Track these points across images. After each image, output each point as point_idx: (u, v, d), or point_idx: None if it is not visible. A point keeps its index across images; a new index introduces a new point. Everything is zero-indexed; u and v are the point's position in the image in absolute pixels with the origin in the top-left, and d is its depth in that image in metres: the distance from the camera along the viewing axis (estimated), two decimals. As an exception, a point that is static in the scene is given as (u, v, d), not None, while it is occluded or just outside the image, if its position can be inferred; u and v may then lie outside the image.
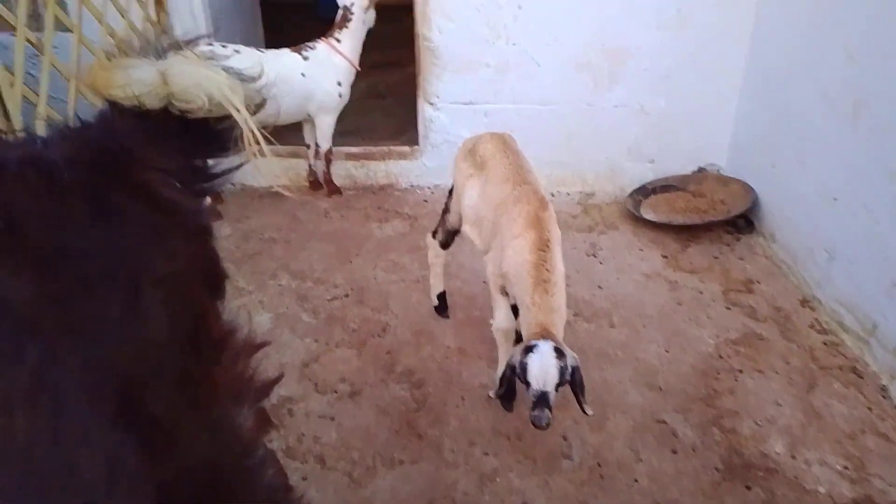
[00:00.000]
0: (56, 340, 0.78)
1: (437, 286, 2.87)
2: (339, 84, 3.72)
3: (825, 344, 2.74)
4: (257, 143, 1.22)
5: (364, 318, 2.91)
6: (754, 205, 3.60)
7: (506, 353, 2.39)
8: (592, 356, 2.67)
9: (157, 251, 0.97)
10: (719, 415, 2.38)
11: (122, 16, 3.19)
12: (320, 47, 3.68)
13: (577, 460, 2.19)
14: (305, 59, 3.65)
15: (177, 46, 1.17)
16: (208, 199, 3.52)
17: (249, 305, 2.99)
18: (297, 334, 2.80)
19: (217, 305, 1.21)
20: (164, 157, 1.08)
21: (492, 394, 2.33)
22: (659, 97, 3.93)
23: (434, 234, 2.73)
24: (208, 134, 1.19)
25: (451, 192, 2.63)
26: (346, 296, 3.07)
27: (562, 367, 1.88)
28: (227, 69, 1.18)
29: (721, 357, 2.67)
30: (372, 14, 3.80)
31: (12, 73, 2.26)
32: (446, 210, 2.64)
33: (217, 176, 1.25)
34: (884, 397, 2.44)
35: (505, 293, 2.27)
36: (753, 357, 2.67)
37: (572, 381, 1.95)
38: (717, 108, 3.92)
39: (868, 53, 2.64)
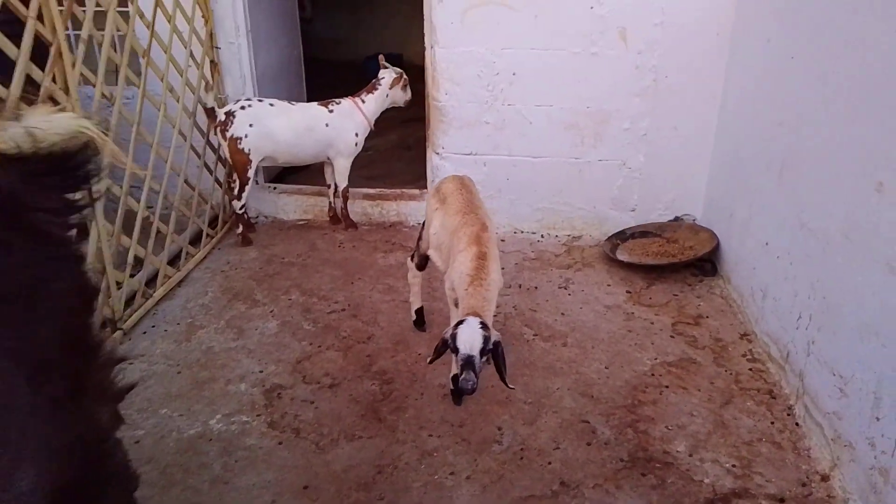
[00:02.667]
0: None
1: (415, 303, 3.39)
2: (356, 135, 4.38)
3: (751, 370, 3.10)
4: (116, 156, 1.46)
5: (354, 329, 3.44)
6: (716, 250, 4.00)
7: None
8: (541, 368, 3.11)
9: (44, 274, 1.27)
10: (637, 419, 2.77)
11: (181, 75, 3.94)
12: (345, 103, 4.37)
13: (505, 445, 2.63)
14: (331, 111, 4.34)
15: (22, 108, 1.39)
16: (240, 228, 4.18)
17: (262, 315, 3.57)
18: (297, 338, 3.35)
19: (89, 320, 1.47)
20: (43, 196, 1.30)
21: (429, 361, 2.63)
22: (639, 154, 4.42)
23: (412, 257, 3.27)
24: (75, 170, 1.35)
25: (423, 223, 3.17)
26: (343, 310, 3.62)
27: (485, 337, 2.30)
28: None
29: (653, 375, 3.07)
30: (400, 94, 4.52)
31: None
32: (420, 238, 3.18)
33: (83, 208, 1.42)
34: (788, 415, 2.79)
35: (457, 304, 2.77)
36: (682, 377, 3.05)
37: (495, 353, 2.37)
38: (692, 164, 4.37)
39: (793, 119, 3.08)
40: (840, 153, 2.58)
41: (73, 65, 2.85)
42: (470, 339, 2.29)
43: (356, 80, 4.41)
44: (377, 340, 3.34)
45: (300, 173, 5.27)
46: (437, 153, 4.62)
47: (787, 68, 3.11)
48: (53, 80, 2.75)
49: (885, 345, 2.19)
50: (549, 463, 2.54)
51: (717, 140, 4.22)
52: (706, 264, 4.06)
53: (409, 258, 3.32)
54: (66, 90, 2.81)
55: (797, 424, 2.73)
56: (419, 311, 3.40)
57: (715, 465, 2.52)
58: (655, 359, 3.20)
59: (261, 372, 3.08)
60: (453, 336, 2.32)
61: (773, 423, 2.75)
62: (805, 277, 2.81)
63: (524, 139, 4.49)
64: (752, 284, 3.43)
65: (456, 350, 2.32)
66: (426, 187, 4.78)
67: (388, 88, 4.48)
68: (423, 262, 3.20)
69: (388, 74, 4.47)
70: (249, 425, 2.73)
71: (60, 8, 2.79)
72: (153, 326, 3.44)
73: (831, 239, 2.58)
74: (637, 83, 4.24)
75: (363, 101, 4.43)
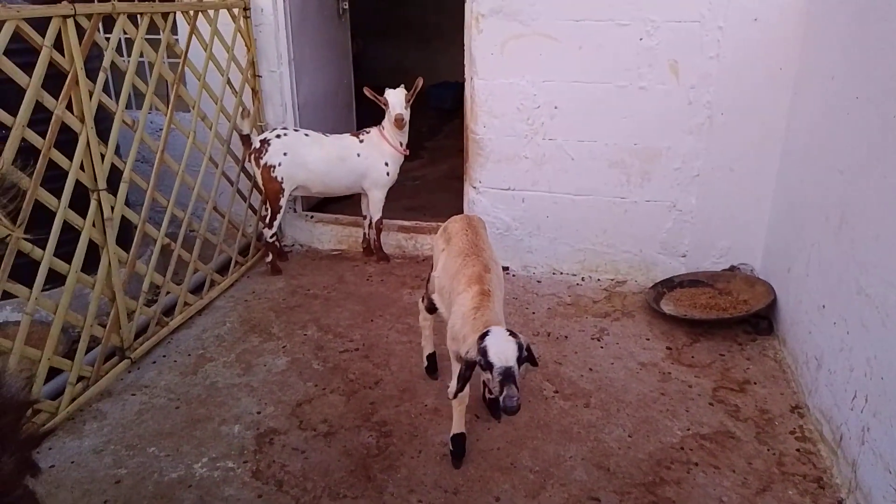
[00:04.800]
0: None
1: (426, 347, 3.19)
2: (386, 165, 4.25)
3: (798, 451, 2.70)
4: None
5: (363, 371, 3.27)
6: (772, 306, 3.59)
7: (460, 418, 2.63)
8: (555, 431, 2.83)
9: None
10: (655, 501, 2.44)
11: (216, 103, 3.95)
12: (374, 133, 4.27)
13: (500, 521, 2.37)
14: (361, 141, 4.25)
15: None
16: (270, 257, 4.11)
17: (273, 350, 3.46)
18: (303, 378, 3.21)
19: None
20: None
21: (450, 393, 2.46)
22: (690, 195, 4.07)
23: (423, 299, 3.08)
24: None
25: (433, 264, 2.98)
26: (357, 350, 3.46)
27: (518, 343, 2.06)
28: None
29: (682, 449, 2.72)
30: (407, 112, 4.22)
31: (106, 144, 2.97)
32: (428, 280, 2.99)
33: None
34: (837, 511, 2.39)
35: (458, 359, 2.54)
36: (716, 454, 2.69)
37: (528, 357, 2.14)
38: (750, 211, 3.98)
39: (854, 167, 2.70)
40: (906, 210, 2.21)
41: (91, 93, 2.85)
42: (503, 348, 2.04)
43: (417, 108, 4.27)
44: (384, 386, 3.15)
45: (342, 202, 5.20)
46: (474, 187, 4.43)
47: (851, 109, 2.74)
48: (69, 108, 2.76)
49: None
50: (546, 547, 2.25)
51: (778, 184, 3.82)
52: (761, 321, 3.65)
53: (420, 299, 3.13)
54: (82, 118, 2.81)
55: (848, 524, 2.33)
56: (431, 357, 3.19)
57: (740, 567, 2.17)
58: (688, 429, 2.85)
59: (258, 413, 2.95)
60: (482, 350, 2.06)
61: (817, 520, 2.35)
62: (861, 351, 2.41)
63: (565, 175, 4.24)
64: (807, 350, 3.02)
65: (490, 365, 2.04)
66: (462, 222, 4.59)
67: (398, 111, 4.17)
68: (432, 305, 3.00)
69: (394, 97, 4.15)
70: (233, 472, 2.58)
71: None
72: (164, 356, 3.39)
73: (891, 310, 2.20)
74: (689, 120, 3.92)
75: (383, 128, 4.27)
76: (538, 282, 4.33)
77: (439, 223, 4.68)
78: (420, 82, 4.15)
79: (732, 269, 4.10)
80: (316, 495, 2.47)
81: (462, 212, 4.56)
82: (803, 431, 2.82)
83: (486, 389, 2.88)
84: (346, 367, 3.30)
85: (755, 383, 3.17)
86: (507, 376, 2.00)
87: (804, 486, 2.51)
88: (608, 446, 2.74)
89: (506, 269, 4.48)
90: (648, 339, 3.59)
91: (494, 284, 2.46)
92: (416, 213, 5.06)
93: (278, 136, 4.14)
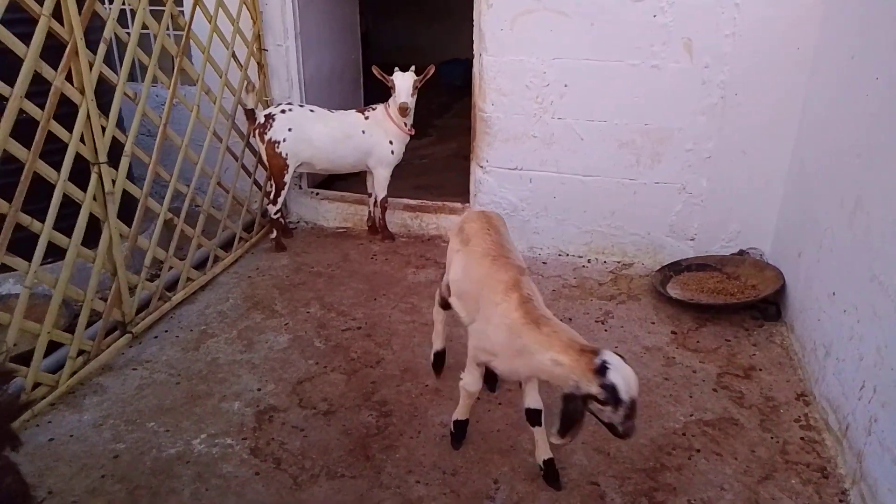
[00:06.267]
0: None
1: (436, 343, 2.99)
2: (391, 143, 4.19)
3: (803, 440, 2.66)
4: None
5: (365, 350, 3.25)
6: (781, 292, 3.53)
7: (466, 408, 2.56)
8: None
9: None
10: (655, 487, 2.42)
11: (220, 76, 3.90)
12: (379, 109, 4.20)
13: (497, 502, 2.35)
14: (367, 118, 4.18)
15: None
16: (274, 233, 4.09)
17: (276, 327, 3.45)
18: (305, 356, 3.20)
19: None
20: None
21: (555, 440, 2.01)
22: (701, 178, 3.99)
23: (440, 290, 2.90)
24: None
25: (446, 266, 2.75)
26: (359, 328, 3.44)
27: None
28: None
29: (685, 435, 2.69)
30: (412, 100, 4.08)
31: (107, 117, 2.93)
32: (443, 282, 2.78)
33: None
34: (841, 501, 2.35)
35: (481, 366, 2.40)
36: (719, 440, 2.66)
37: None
38: (761, 194, 3.90)
39: (871, 152, 2.62)
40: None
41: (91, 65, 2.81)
42: (630, 381, 1.84)
43: (427, 85, 4.18)
44: (385, 365, 3.13)
45: (349, 180, 5.15)
46: (481, 167, 4.36)
47: (870, 90, 2.65)
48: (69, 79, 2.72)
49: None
50: (543, 531, 2.24)
51: (791, 167, 3.73)
52: (769, 307, 3.59)
53: (438, 290, 2.94)
54: (82, 90, 2.77)
55: (851, 515, 2.30)
56: (439, 355, 3.01)
57: (739, 555, 2.14)
58: (691, 415, 2.81)
59: (259, 390, 2.94)
60: (610, 388, 1.82)
61: (820, 509, 2.32)
62: (872, 340, 2.36)
63: (574, 156, 4.16)
64: (816, 338, 2.97)
65: (619, 402, 1.83)
66: (469, 201, 4.54)
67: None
68: (446, 304, 2.80)
69: (401, 82, 4.00)
70: (232, 449, 2.58)
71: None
72: (166, 331, 3.38)
73: (905, 299, 2.14)
74: (702, 100, 3.82)
75: (388, 106, 4.17)
76: (544, 263, 4.28)
77: (446, 203, 4.67)
78: (431, 70, 4.06)
79: (742, 253, 4.03)
80: (314, 474, 2.46)
81: (469, 192, 4.51)
82: (808, 420, 2.78)
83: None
84: (348, 346, 3.28)
85: (761, 370, 3.13)
86: (634, 407, 1.86)
87: (807, 476, 2.47)
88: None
89: (512, 249, 4.43)
90: (654, 323, 3.55)
91: (534, 288, 2.25)
92: (422, 192, 5.00)
93: (283, 112, 4.09)
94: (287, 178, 4.16)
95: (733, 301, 3.60)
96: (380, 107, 4.21)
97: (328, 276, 4.02)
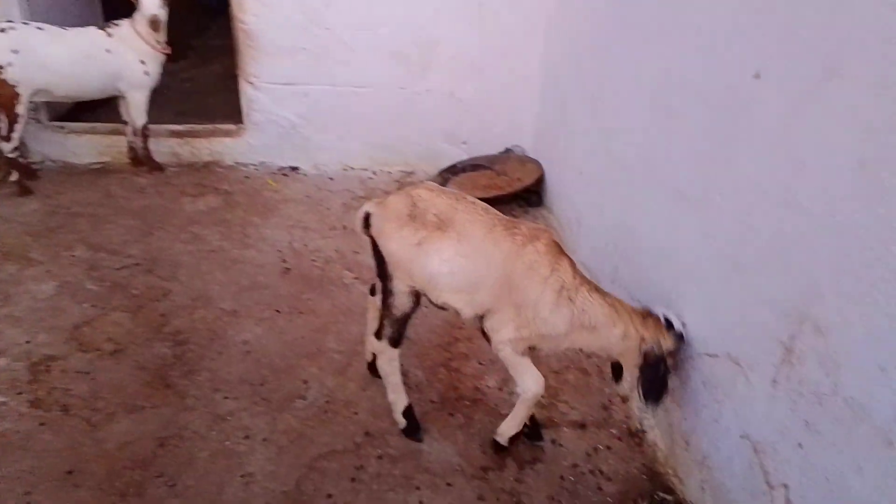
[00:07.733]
0: None
1: (399, 399, 2.29)
2: (144, 63, 3.80)
3: (567, 299, 3.11)
4: None
5: (149, 286, 3.05)
6: (541, 181, 3.98)
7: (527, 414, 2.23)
8: (357, 314, 2.91)
9: None
10: (451, 357, 2.69)
11: None
12: (124, 26, 3.76)
13: (309, 400, 2.44)
14: (110, 36, 3.72)
15: None
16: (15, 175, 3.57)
17: (36, 276, 3.07)
18: (77, 301, 2.91)
19: None
20: None
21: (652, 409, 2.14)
22: (467, 84, 4.25)
23: (378, 333, 2.22)
24: None
25: (382, 276, 2.17)
26: (137, 265, 3.20)
27: None
28: None
29: (472, 312, 2.99)
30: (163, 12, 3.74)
31: None
32: (387, 296, 2.15)
33: None
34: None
35: (528, 352, 2.14)
36: (501, 311, 3.00)
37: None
38: (520, 95, 4.27)
39: (604, 51, 3.00)
40: (635, 81, 2.54)
41: None
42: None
43: (182, 6, 3.74)
44: (174, 297, 2.98)
45: (98, 111, 4.56)
46: (251, 83, 4.17)
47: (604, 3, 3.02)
48: None
49: (678, 266, 2.20)
50: (356, 413, 2.39)
51: (545, 71, 4.13)
52: (532, 195, 4.04)
53: (370, 335, 2.34)
54: None
55: (605, 350, 2.77)
56: (408, 411, 2.31)
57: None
58: (475, 294, 3.12)
59: (27, 342, 2.64)
60: (681, 336, 2.00)
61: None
62: (612, 206, 2.80)
63: (346, 67, 4.16)
64: (570, 214, 3.43)
65: (684, 343, 2.03)
66: (242, 122, 4.33)
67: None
68: (401, 332, 2.21)
69: None
70: (6, 406, 2.32)
71: None
72: None
73: (631, 167, 2.56)
74: (462, 9, 4.03)
75: (136, 23, 3.75)
76: (330, 179, 4.30)
77: (217, 126, 4.40)
78: None
79: (507, 151, 4.43)
80: (109, 412, 2.32)
81: (241, 112, 4.29)
82: (570, 282, 3.24)
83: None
84: (127, 284, 3.05)
85: (531, 249, 3.54)
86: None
87: (572, 326, 2.91)
88: (407, 319, 2.91)
89: (295, 168, 4.37)
90: (438, 222, 3.79)
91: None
92: (189, 118, 4.63)
93: (3, 31, 3.48)
94: (20, 110, 3.59)
95: (502, 194, 3.98)
96: (124, 23, 3.76)
97: (91, 216, 3.63)
